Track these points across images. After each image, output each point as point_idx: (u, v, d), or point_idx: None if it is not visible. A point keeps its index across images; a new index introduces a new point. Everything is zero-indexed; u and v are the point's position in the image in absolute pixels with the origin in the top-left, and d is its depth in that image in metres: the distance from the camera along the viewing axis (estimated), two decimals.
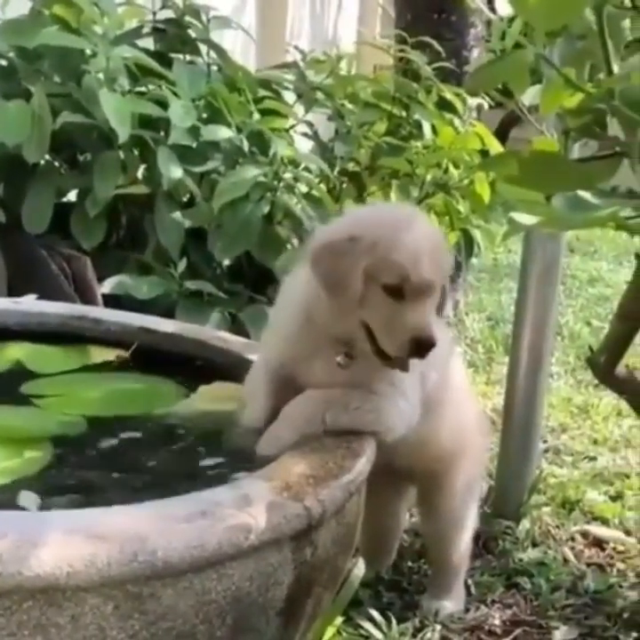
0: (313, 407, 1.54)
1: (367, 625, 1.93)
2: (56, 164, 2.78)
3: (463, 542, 2.04)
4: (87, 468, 1.49)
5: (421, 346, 1.52)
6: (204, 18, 3.11)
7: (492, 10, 1.48)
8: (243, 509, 1.27)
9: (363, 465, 1.50)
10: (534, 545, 2.39)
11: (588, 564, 2.34)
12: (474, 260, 5.07)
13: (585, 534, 2.47)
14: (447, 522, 2.01)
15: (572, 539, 2.45)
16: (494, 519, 2.44)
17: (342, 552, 1.50)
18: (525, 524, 2.45)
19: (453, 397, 1.86)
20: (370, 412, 1.56)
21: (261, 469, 1.41)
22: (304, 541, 1.35)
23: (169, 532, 1.19)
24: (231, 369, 1.89)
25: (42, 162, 2.68)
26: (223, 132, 2.69)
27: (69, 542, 1.14)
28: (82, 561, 1.12)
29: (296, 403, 1.56)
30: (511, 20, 1.36)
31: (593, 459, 2.99)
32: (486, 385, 3.62)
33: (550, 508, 2.57)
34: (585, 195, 1.04)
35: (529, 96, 1.42)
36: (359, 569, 1.69)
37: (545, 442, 3.04)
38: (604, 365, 1.68)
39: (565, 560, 2.34)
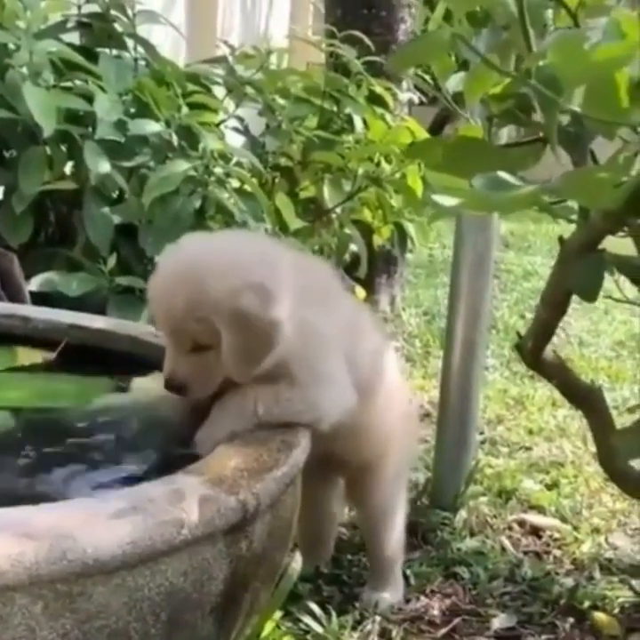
0: (244, 402, 1.52)
1: (307, 619, 1.91)
2: None
3: (396, 532, 2.05)
4: (15, 467, 1.45)
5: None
6: (130, 12, 3.08)
7: None
8: (175, 504, 1.25)
9: (297, 457, 1.48)
10: (472, 534, 2.39)
11: (525, 552, 2.36)
12: (409, 256, 5.12)
13: (521, 523, 2.49)
14: (379, 513, 2.02)
15: (509, 527, 2.47)
16: (431, 510, 2.45)
17: (279, 546, 1.48)
18: (462, 514, 2.46)
19: (386, 387, 1.86)
20: (300, 402, 1.55)
21: (194, 464, 1.38)
22: (239, 535, 1.33)
23: (99, 528, 1.16)
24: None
25: None
26: (151, 127, 2.66)
27: None
28: (8, 560, 1.09)
29: (227, 399, 1.54)
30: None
31: (529, 449, 3.02)
32: (423, 378, 3.64)
33: (487, 498, 2.58)
34: (505, 176, 1.03)
35: (453, 83, 1.42)
36: (297, 563, 1.67)
37: (481, 433, 3.07)
38: (531, 351, 1.69)
39: (503, 549, 2.35)
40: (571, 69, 1.11)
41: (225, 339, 1.51)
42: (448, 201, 0.99)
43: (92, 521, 1.17)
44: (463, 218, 2.46)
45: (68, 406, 1.71)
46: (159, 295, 1.58)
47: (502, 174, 1.03)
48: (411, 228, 3.74)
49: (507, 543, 2.38)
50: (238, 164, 3.08)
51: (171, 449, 1.57)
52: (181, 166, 2.57)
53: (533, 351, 1.69)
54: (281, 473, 1.41)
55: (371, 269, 3.98)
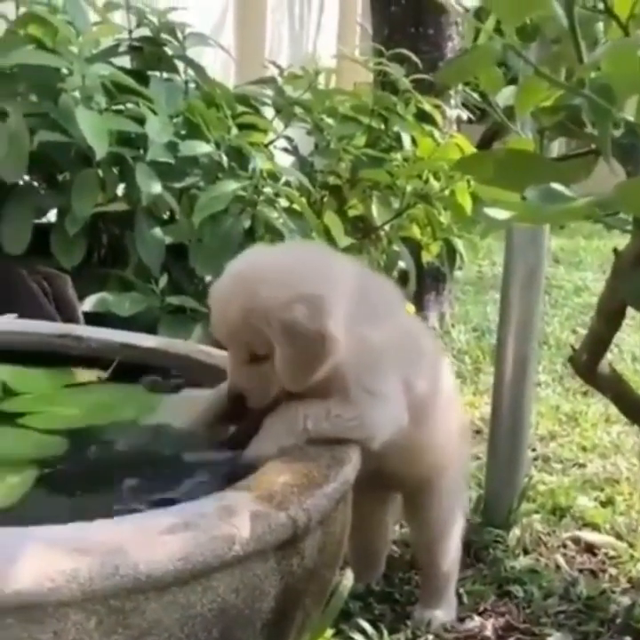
0: (293, 418, 1.52)
1: (358, 637, 1.91)
2: (34, 183, 2.76)
3: (451, 551, 2.03)
4: (70, 486, 1.47)
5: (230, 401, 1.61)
6: (180, 35, 3.12)
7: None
8: (226, 520, 1.25)
9: (348, 473, 1.48)
10: (525, 552, 2.37)
11: (580, 570, 2.33)
12: (458, 273, 5.10)
13: (576, 540, 2.46)
14: (435, 531, 2.01)
15: (564, 545, 2.44)
16: (484, 528, 2.43)
17: (330, 562, 1.48)
18: (516, 531, 2.44)
19: (442, 405, 1.85)
20: (351, 419, 1.55)
21: (243, 480, 1.39)
22: (290, 551, 1.33)
23: (151, 544, 1.17)
24: (215, 383, 1.87)
25: (20, 182, 2.66)
26: (201, 148, 2.68)
27: (50, 557, 1.11)
28: (63, 576, 1.10)
29: (276, 415, 1.54)
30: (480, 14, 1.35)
31: (582, 465, 2.99)
32: (474, 395, 3.62)
33: (541, 516, 2.56)
34: (559, 187, 1.03)
35: (503, 97, 1.42)
36: (348, 580, 1.67)
37: (534, 450, 3.04)
38: (585, 364, 1.67)
39: (557, 567, 2.33)
40: (624, 78, 1.10)
41: (277, 349, 1.52)
42: (500, 214, 0.99)
43: (144, 537, 1.18)
44: (514, 233, 2.45)
45: (121, 423, 1.73)
46: (217, 305, 1.59)
47: (555, 186, 1.02)
48: (460, 245, 3.72)
49: (561, 561, 2.35)
50: (287, 183, 3.10)
51: (218, 466, 1.58)
52: (230, 186, 2.59)
53: (588, 364, 1.68)
54: (331, 489, 1.41)
55: (419, 286, 3.97)
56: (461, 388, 3.68)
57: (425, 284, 4.41)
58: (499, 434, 2.52)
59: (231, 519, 1.26)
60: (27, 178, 2.72)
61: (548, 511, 2.59)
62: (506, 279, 2.48)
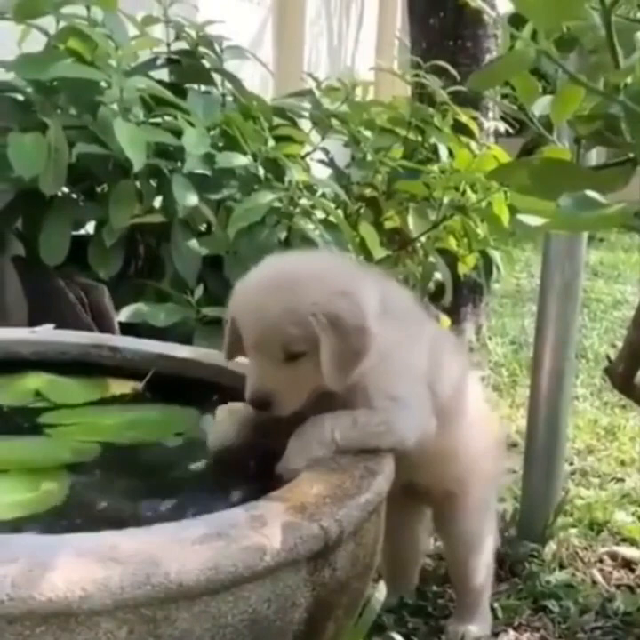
0: (320, 430, 1.52)
1: None
2: (73, 195, 2.78)
3: (483, 565, 2.00)
4: (103, 496, 1.48)
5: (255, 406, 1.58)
6: (217, 49, 3.14)
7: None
8: (258, 530, 1.25)
9: (381, 484, 1.47)
10: (562, 567, 2.35)
11: (618, 586, 2.30)
12: (496, 286, 5.07)
13: (613, 555, 2.43)
14: (465, 545, 1.99)
15: (601, 560, 2.41)
16: (519, 542, 2.40)
17: (362, 574, 1.47)
18: (552, 546, 2.41)
19: (470, 415, 1.84)
20: (378, 425, 1.55)
21: (276, 491, 1.38)
22: (322, 563, 1.33)
23: (183, 553, 1.17)
24: None
25: (59, 194, 2.69)
26: (238, 159, 2.69)
27: (82, 565, 1.12)
28: (94, 584, 1.10)
29: (304, 429, 1.54)
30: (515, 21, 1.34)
31: (620, 480, 2.95)
32: (510, 408, 3.60)
33: (577, 530, 2.53)
34: (594, 194, 1.02)
35: (540, 106, 1.41)
36: (380, 593, 1.67)
37: (571, 464, 3.01)
38: (622, 375, 1.65)
39: (594, 582, 2.30)
40: None
41: (323, 342, 1.51)
42: (534, 221, 0.98)
43: (176, 546, 1.18)
44: (551, 245, 2.43)
45: (154, 437, 1.73)
46: (249, 305, 1.58)
47: (590, 193, 1.01)
48: (497, 257, 3.70)
49: (598, 576, 2.32)
50: (323, 195, 3.11)
51: (249, 479, 1.58)
52: (266, 198, 2.60)
53: (624, 376, 1.66)
54: (364, 500, 1.40)
55: (456, 298, 3.97)
56: (498, 401, 3.65)
57: (462, 297, 4.40)
58: (535, 447, 2.49)
59: (263, 529, 1.26)
60: (66, 190, 2.74)
61: (584, 526, 2.57)
62: (543, 291, 2.46)
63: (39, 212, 2.68)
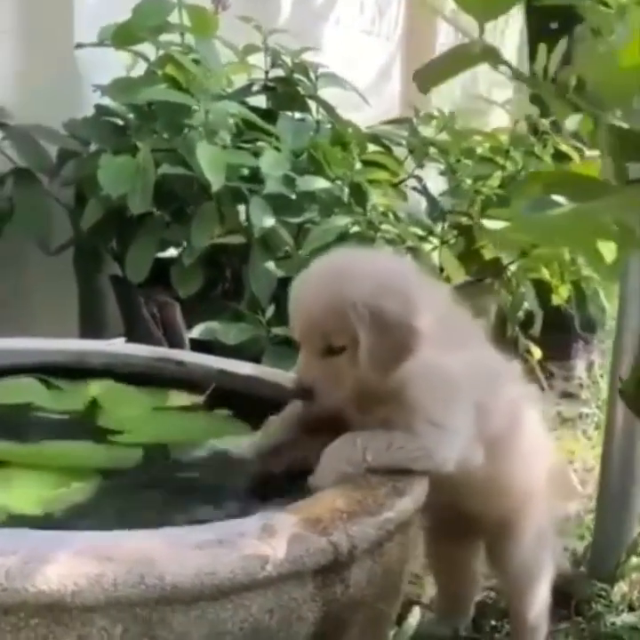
0: (352, 448, 1.50)
1: None
2: (162, 216, 2.86)
3: (539, 598, 1.93)
4: (129, 501, 1.50)
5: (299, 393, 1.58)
6: (312, 76, 3.19)
7: None
8: (264, 540, 1.25)
9: (406, 504, 1.44)
10: (631, 609, 2.24)
11: None
12: (612, 322, 4.91)
13: None
14: (518, 580, 1.92)
15: None
16: (588, 580, 2.32)
17: (383, 595, 1.44)
18: (622, 586, 2.31)
19: (526, 444, 1.78)
20: (416, 450, 1.52)
21: (294, 503, 1.38)
22: (332, 578, 1.31)
23: (180, 557, 1.18)
24: None
25: (148, 214, 2.76)
26: (318, 183, 2.72)
27: (77, 561, 1.14)
28: (87, 579, 1.12)
29: (336, 444, 1.52)
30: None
31: None
32: None
33: None
34: (558, 198, 0.98)
35: (573, 121, 1.37)
36: (414, 617, 1.64)
37: None
38: (635, 396, 1.57)
39: None
40: None
41: (362, 338, 1.50)
42: (496, 225, 0.96)
43: (174, 549, 1.19)
44: (627, 282, 2.34)
45: (199, 447, 1.75)
46: (299, 294, 1.59)
47: (556, 197, 0.98)
48: (600, 292, 3.59)
49: None
50: (414, 222, 3.10)
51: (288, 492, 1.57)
52: (342, 220, 2.61)
53: (638, 396, 1.57)
54: (383, 518, 1.38)
55: (567, 333, 3.90)
56: (599, 439, 3.53)
57: (573, 332, 4.28)
58: (609, 483, 2.40)
59: (269, 539, 1.26)
60: (154, 211, 2.82)
61: None
62: (619, 325, 2.37)
63: (129, 232, 2.77)
